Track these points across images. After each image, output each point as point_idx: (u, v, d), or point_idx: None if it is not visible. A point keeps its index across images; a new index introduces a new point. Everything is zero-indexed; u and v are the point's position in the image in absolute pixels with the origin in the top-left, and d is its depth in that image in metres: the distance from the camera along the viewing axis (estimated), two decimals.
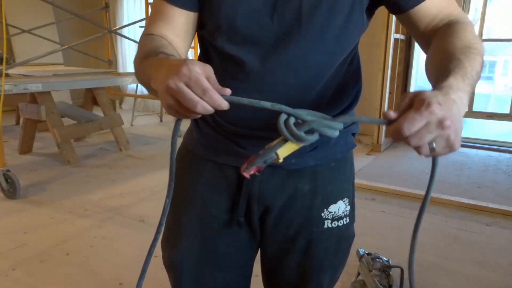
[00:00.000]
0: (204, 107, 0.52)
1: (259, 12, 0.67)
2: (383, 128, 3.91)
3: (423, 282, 1.82)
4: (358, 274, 1.74)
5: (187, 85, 0.51)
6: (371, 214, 2.53)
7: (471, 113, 4.41)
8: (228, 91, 0.54)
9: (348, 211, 0.82)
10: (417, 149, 0.50)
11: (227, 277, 0.84)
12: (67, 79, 3.45)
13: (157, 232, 0.66)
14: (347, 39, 0.70)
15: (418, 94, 0.51)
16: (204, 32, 0.74)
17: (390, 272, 1.68)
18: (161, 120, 5.43)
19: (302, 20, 0.66)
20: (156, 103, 5.86)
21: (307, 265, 0.82)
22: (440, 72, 0.58)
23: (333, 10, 0.66)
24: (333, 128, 0.55)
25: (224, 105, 0.53)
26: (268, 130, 0.68)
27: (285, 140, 0.56)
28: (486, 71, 8.11)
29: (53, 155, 3.69)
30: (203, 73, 0.52)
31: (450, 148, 0.51)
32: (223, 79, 0.70)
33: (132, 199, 2.72)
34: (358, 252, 1.78)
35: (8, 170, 2.69)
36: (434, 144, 0.50)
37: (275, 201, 0.78)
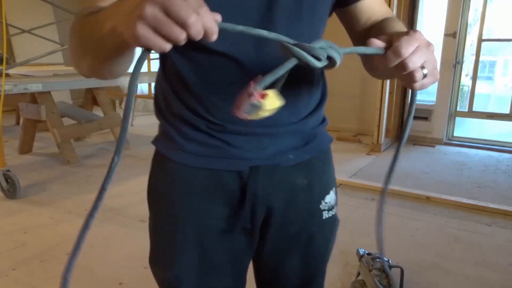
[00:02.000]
0: (195, 24, 0.42)
1: (247, 2, 0.65)
2: (383, 128, 3.91)
3: (423, 282, 1.82)
4: (358, 274, 1.74)
5: None
6: (371, 214, 2.53)
7: (471, 113, 4.41)
8: (219, 17, 0.46)
9: (335, 200, 0.84)
10: (412, 74, 0.55)
11: (225, 282, 0.82)
12: (67, 79, 3.45)
13: (102, 190, 0.52)
14: (322, 27, 0.73)
15: (395, 31, 0.59)
16: None
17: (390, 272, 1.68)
18: None
19: (293, 8, 0.66)
20: None
21: (309, 259, 0.82)
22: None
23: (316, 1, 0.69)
24: (338, 52, 0.55)
25: (215, 30, 0.45)
26: (266, 126, 0.68)
27: (296, 59, 0.53)
28: (486, 71, 8.11)
29: (53, 155, 3.69)
30: None
31: (434, 76, 0.57)
32: (213, 79, 0.68)
33: (132, 199, 2.72)
34: (358, 252, 1.78)
35: (8, 170, 2.69)
36: (426, 70, 0.55)
37: (277, 201, 0.77)
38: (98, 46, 0.51)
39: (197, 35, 0.43)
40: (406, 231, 2.27)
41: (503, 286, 1.81)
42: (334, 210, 0.83)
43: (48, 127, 3.37)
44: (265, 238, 0.80)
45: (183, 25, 0.41)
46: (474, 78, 4.34)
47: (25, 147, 3.74)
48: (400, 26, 0.69)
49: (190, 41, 0.57)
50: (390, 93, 3.95)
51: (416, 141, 4.41)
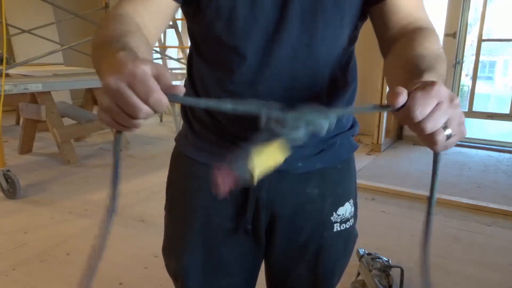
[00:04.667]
0: (147, 114, 0.44)
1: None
2: (383, 128, 3.91)
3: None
4: (358, 274, 1.74)
5: (131, 86, 0.43)
6: (371, 214, 2.53)
7: (471, 113, 4.41)
8: (180, 90, 0.45)
9: (353, 212, 0.81)
10: (433, 137, 0.46)
11: (233, 281, 0.82)
12: (67, 79, 3.45)
13: (111, 210, 0.59)
14: (348, 27, 0.69)
15: (414, 81, 0.48)
16: (202, 26, 0.69)
17: (390, 272, 1.69)
18: (161, 120, 5.43)
19: (308, 4, 0.64)
20: None
21: (318, 271, 0.80)
22: (412, 70, 0.55)
23: None
24: (319, 123, 0.48)
25: (163, 109, 0.45)
26: None
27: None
28: (486, 71, 8.12)
29: (53, 155, 3.69)
30: (153, 72, 0.44)
31: (460, 133, 0.47)
32: (224, 75, 0.68)
33: (132, 199, 2.72)
34: (358, 252, 1.78)
35: (8, 170, 2.69)
36: (450, 130, 0.46)
37: (284, 208, 0.76)
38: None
39: (148, 118, 0.46)
40: (406, 231, 2.27)
41: (503, 286, 1.81)
42: (349, 223, 0.80)
43: (48, 127, 3.37)
44: (273, 244, 0.80)
45: (134, 117, 0.45)
46: (474, 78, 4.34)
47: (25, 147, 3.74)
48: (430, 46, 0.60)
49: (205, 35, 0.69)
50: None
51: (416, 141, 4.41)
